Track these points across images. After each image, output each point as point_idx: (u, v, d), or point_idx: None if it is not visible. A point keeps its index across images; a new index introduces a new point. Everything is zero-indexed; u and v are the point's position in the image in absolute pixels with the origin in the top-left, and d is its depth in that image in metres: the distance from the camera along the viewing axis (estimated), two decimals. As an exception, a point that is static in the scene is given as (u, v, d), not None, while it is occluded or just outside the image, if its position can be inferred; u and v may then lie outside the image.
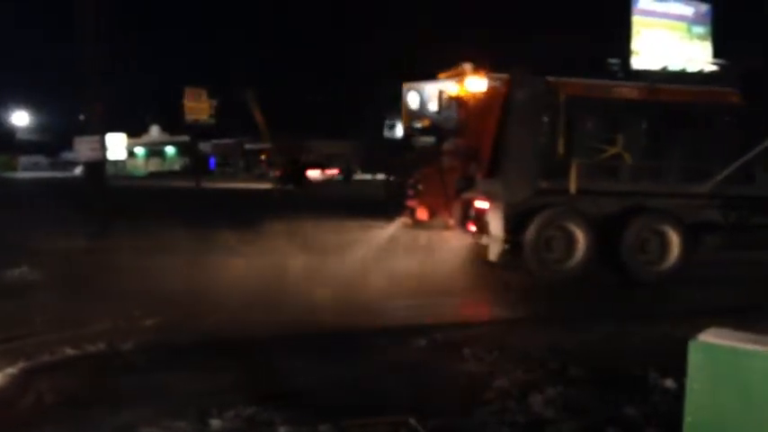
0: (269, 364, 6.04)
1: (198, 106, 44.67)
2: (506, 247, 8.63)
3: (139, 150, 75.12)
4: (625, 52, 47.93)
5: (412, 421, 4.58)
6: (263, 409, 4.79)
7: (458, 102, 9.44)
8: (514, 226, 8.75)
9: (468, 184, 9.22)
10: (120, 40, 44.28)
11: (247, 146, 62.27)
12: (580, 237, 8.89)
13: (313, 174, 44.41)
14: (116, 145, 59.76)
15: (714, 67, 51.71)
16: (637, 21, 46.54)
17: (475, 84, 9.03)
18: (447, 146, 9.61)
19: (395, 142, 10.79)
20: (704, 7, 49.05)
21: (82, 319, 7.12)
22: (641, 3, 47.04)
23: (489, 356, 6.15)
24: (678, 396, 4.24)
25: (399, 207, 9.86)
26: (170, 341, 6.62)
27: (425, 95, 10.12)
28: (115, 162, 57.54)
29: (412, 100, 10.31)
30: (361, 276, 9.20)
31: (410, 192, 9.75)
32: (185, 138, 56.27)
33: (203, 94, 45.34)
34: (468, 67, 9.34)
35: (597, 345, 6.64)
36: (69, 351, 6.20)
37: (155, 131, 75.11)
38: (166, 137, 72.68)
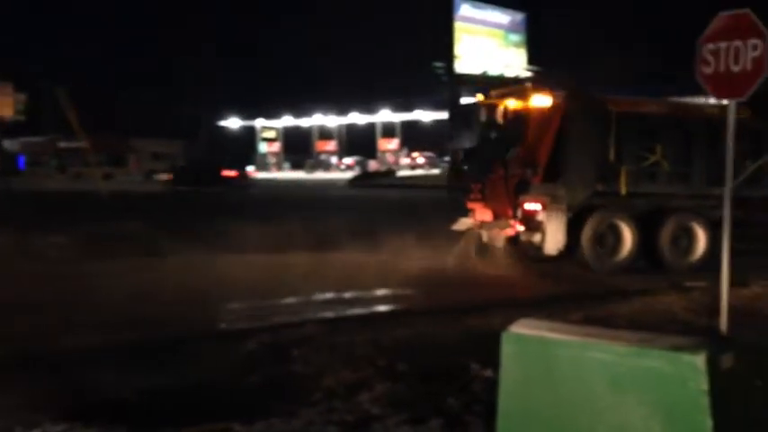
0: (83, 377, 5.64)
1: (1, 101, 41.13)
2: (564, 242, 9.79)
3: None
4: (449, 56, 49.93)
5: (236, 427, 4.45)
6: (72, 425, 4.45)
7: (519, 116, 10.36)
8: (572, 224, 9.96)
9: (522, 189, 10.13)
10: None
11: (61, 144, 58.13)
12: (627, 233, 10.09)
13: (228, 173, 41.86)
14: None
15: (529, 73, 54.97)
16: (458, 27, 48.63)
17: (536, 100, 10.12)
18: (509, 155, 10.49)
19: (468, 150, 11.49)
20: (519, 16, 52.13)
21: None
22: (462, 9, 49.18)
23: (317, 357, 6.12)
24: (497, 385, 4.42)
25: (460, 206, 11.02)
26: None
27: (492, 110, 11.01)
28: None
29: (482, 114, 11.20)
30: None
31: (474, 195, 10.75)
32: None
33: (8, 88, 41.75)
34: (529, 84, 10.66)
35: (423, 339, 6.79)
36: None
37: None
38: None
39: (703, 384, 2.48)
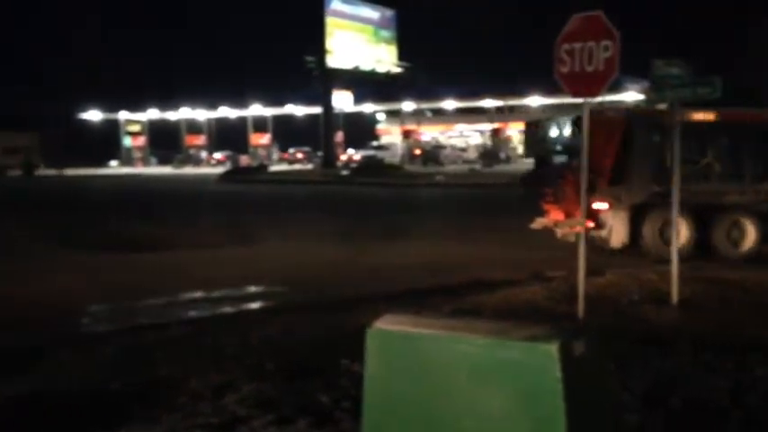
0: None
1: None
2: (627, 236, 11.48)
3: None
4: (321, 51, 49.84)
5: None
6: None
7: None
8: (634, 221, 11.54)
9: (589, 192, 11.27)
10: None
11: None
12: (683, 227, 11.20)
13: None
14: None
15: (399, 69, 55.72)
16: (330, 21, 48.64)
17: (604, 114, 11.88)
18: (576, 163, 11.63)
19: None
20: (389, 12, 52.79)
21: None
22: (333, 4, 49.21)
23: (182, 358, 5.91)
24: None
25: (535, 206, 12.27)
26: None
27: (561, 126, 12.96)
28: None
29: (552, 130, 14.20)
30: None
31: (548, 198, 12.15)
32: None
33: None
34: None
35: (293, 336, 6.72)
36: None
37: None
38: None
39: (557, 372, 2.58)
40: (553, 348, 2.59)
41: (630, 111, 12.30)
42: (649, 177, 11.58)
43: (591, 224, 11.62)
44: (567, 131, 12.66)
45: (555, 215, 12.11)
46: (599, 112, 12.14)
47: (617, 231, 11.60)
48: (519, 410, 2.65)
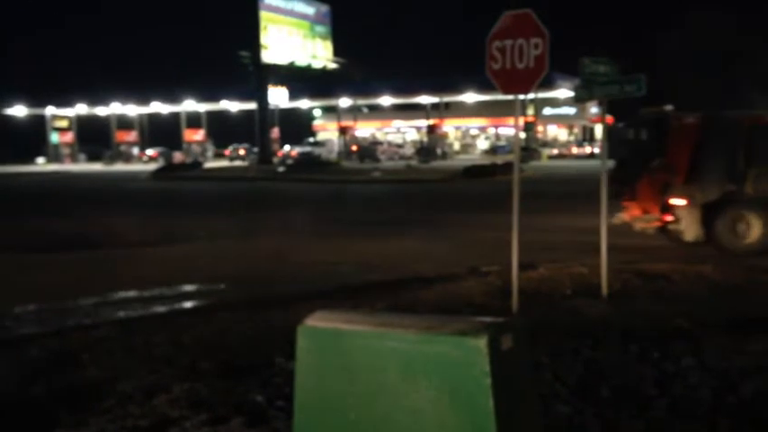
0: None
1: None
2: (702, 231, 12.38)
3: None
4: (255, 46, 49.26)
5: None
6: None
7: (662, 132, 12.95)
8: (708, 216, 12.34)
9: (666, 190, 12.75)
10: None
11: None
12: (755, 222, 12.22)
13: None
14: None
15: (335, 65, 55.56)
16: (264, 16, 48.13)
17: (682, 119, 12.89)
18: (655, 163, 12.99)
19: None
20: (324, 8, 52.57)
21: None
22: (267, -1, 48.69)
23: (111, 360, 5.76)
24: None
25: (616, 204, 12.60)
26: None
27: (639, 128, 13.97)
28: None
29: (630, 133, 14.26)
30: None
31: (626, 196, 12.90)
32: None
33: None
34: (669, 107, 14.06)
35: (227, 335, 6.62)
36: None
37: None
38: None
39: (485, 366, 2.60)
40: (481, 343, 2.61)
41: (705, 116, 13.16)
42: (722, 177, 12.56)
43: (668, 218, 12.91)
44: (644, 134, 13.97)
45: (633, 211, 13.15)
46: (677, 118, 13.41)
47: (691, 226, 12.63)
48: (449, 405, 2.67)
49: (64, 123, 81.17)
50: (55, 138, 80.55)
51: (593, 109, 65.20)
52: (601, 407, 4.58)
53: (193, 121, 78.33)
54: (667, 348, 5.66)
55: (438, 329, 2.75)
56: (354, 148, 66.70)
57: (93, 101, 77.68)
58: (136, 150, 78.05)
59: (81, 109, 79.26)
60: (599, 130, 41.13)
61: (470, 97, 71.86)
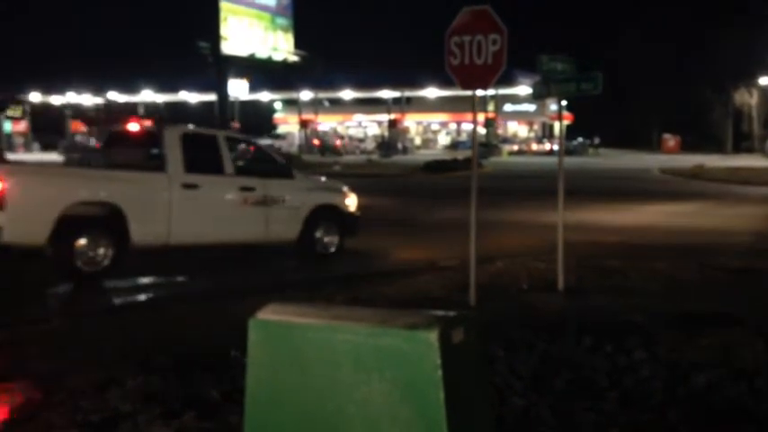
0: None
1: None
2: None
3: None
4: (215, 37, 48.63)
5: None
6: None
7: None
8: None
9: None
10: None
11: None
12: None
13: None
14: None
15: (296, 58, 55.27)
16: (224, 7, 47.52)
17: None
18: None
19: None
20: (286, 0, 52.17)
21: None
22: (228, -11, 48.07)
23: (63, 354, 5.64)
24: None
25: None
26: None
27: None
28: None
29: None
30: None
31: None
32: None
33: None
34: None
35: (182, 328, 6.54)
36: None
37: None
38: None
39: (436, 359, 2.61)
40: (432, 336, 2.62)
41: None
42: None
43: None
44: None
45: None
46: None
47: None
48: (400, 397, 2.67)
49: (17, 112, 79.26)
50: (8, 127, 78.55)
51: (553, 106, 65.97)
52: (555, 399, 4.63)
53: (152, 111, 77.18)
54: (621, 342, 5.74)
55: (390, 323, 2.75)
56: (316, 142, 66.43)
57: (48, 90, 76.04)
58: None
59: (35, 98, 77.54)
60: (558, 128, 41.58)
61: (432, 92, 72.08)
